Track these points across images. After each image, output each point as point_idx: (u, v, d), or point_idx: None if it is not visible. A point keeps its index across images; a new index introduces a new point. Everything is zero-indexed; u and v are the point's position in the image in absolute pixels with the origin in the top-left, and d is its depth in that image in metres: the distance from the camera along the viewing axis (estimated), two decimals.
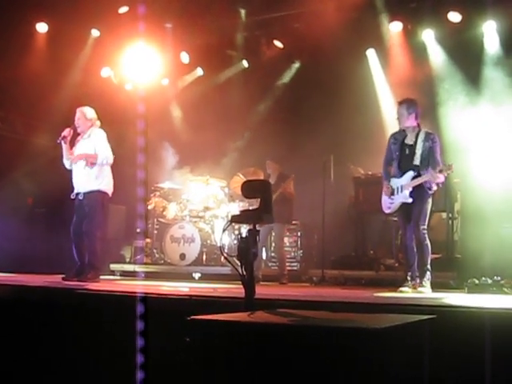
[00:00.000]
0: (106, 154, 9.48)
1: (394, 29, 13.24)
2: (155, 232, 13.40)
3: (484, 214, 10.04)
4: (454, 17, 12.37)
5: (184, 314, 3.94)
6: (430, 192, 8.41)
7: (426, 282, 8.29)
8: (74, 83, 13.81)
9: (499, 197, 9.90)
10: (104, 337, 6.29)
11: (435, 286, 9.52)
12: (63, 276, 9.16)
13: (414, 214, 8.42)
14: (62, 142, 9.67)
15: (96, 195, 9.43)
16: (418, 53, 13.06)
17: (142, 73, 14.05)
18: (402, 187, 8.49)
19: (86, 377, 6.32)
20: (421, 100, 12.49)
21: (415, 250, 8.43)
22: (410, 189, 8.39)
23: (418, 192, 8.39)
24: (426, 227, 8.40)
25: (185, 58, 14.91)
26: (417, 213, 8.38)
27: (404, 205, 8.51)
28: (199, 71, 15.39)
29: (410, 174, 8.43)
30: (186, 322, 3.86)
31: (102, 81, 14.49)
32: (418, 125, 8.58)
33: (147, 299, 5.75)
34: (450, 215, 10.59)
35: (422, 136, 8.44)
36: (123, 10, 13.43)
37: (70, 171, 9.69)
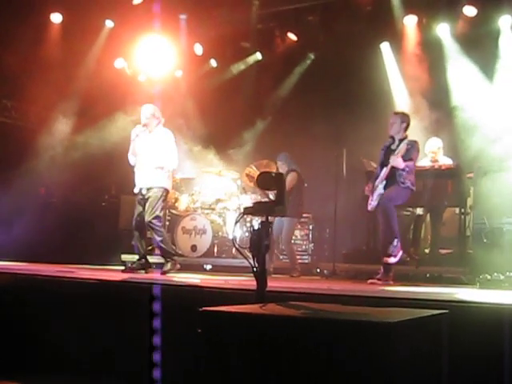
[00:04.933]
0: (172, 161, 9.78)
1: (408, 22, 13.21)
2: (167, 223, 13.38)
3: (496, 209, 9.99)
4: (470, 11, 12.33)
5: (195, 306, 3.95)
6: (403, 186, 8.99)
7: None
8: (87, 74, 13.87)
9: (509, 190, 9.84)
10: (117, 327, 6.31)
11: (447, 282, 9.54)
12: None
13: None
14: (132, 141, 9.86)
15: (160, 191, 9.71)
16: (432, 47, 13.02)
17: (155, 64, 14.05)
18: (378, 183, 9.19)
19: (101, 362, 6.34)
20: (434, 95, 12.58)
21: None
22: (384, 182, 9.11)
23: (391, 185, 9.03)
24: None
25: (198, 49, 14.91)
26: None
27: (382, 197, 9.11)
28: (213, 63, 15.37)
29: (384, 170, 9.15)
30: (198, 313, 3.86)
31: (116, 72, 14.49)
32: (406, 135, 9.33)
33: (159, 290, 5.76)
34: (462, 210, 10.54)
35: (405, 141, 9.13)
36: (138, 0, 13.44)
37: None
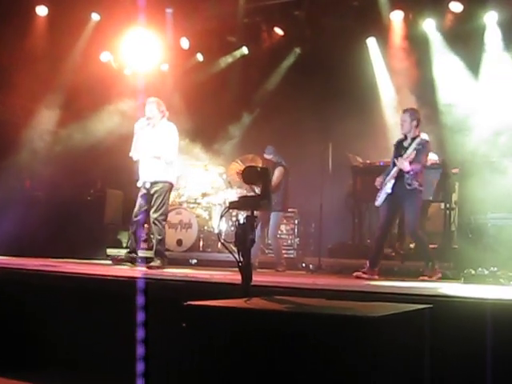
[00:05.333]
0: (171, 153, 9.71)
1: (395, 18, 13.23)
2: None
3: (480, 204, 10.04)
4: (456, 7, 12.39)
5: (180, 300, 3.95)
6: (409, 188, 9.00)
7: None
8: (73, 67, 13.82)
9: (497, 187, 9.89)
10: (102, 321, 6.31)
11: None
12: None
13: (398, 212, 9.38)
14: (136, 134, 9.82)
15: (165, 185, 9.70)
16: (418, 42, 13.05)
17: (141, 58, 14.01)
18: (387, 180, 9.21)
19: (87, 356, 6.34)
20: (421, 91, 12.62)
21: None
22: (392, 181, 9.14)
23: (399, 187, 9.09)
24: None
25: (185, 43, 14.87)
26: (406, 213, 9.21)
27: (389, 196, 9.18)
28: (199, 57, 15.34)
29: (395, 169, 9.15)
30: (183, 307, 3.87)
31: (102, 65, 14.45)
32: (418, 132, 9.26)
33: (144, 284, 5.75)
34: (448, 205, 10.58)
35: (417, 141, 9.11)
36: None
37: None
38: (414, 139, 9.16)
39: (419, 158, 9.04)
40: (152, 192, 9.65)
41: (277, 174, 11.22)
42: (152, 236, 12.23)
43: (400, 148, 9.29)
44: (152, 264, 9.50)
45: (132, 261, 9.79)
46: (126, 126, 12.43)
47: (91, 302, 6.51)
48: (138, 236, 9.98)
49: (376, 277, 8.91)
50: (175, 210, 12.49)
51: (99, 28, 14.18)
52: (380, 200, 9.29)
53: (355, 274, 9.03)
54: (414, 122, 9.23)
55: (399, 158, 9.08)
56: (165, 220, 9.88)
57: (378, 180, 9.33)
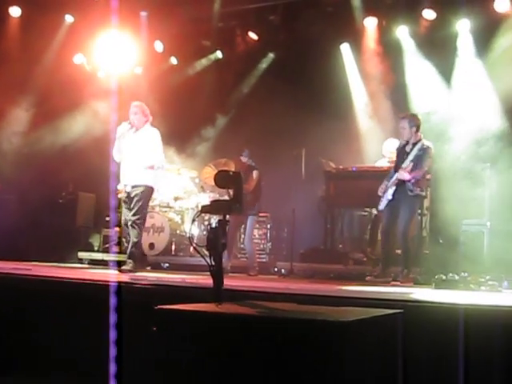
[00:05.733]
0: (159, 159, 9.88)
1: (368, 24, 13.28)
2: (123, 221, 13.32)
3: (452, 210, 10.11)
4: (429, 14, 12.46)
5: (152, 304, 3.94)
6: (411, 194, 9.23)
7: None
8: (46, 69, 13.72)
9: (470, 194, 9.95)
10: (73, 324, 6.27)
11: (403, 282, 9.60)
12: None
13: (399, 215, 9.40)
14: (117, 138, 9.80)
15: (145, 189, 9.78)
16: (392, 49, 13.12)
17: (115, 60, 13.95)
18: (388, 187, 9.40)
19: (59, 361, 6.29)
20: (394, 97, 12.70)
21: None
22: (394, 187, 9.33)
23: (400, 192, 9.30)
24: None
25: (159, 46, 14.82)
26: (401, 213, 9.35)
27: (390, 202, 9.40)
28: (173, 60, 15.31)
29: (396, 175, 9.33)
30: (154, 311, 3.86)
31: (75, 67, 14.37)
32: (420, 137, 9.44)
33: (116, 288, 5.72)
34: (419, 211, 10.63)
35: (418, 146, 9.30)
36: None
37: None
38: (415, 144, 9.32)
39: (420, 163, 9.22)
40: (132, 195, 9.69)
41: (255, 176, 11.28)
42: (124, 239, 12.21)
43: (402, 153, 9.45)
44: (124, 267, 9.48)
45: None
46: (98, 129, 12.42)
47: (63, 305, 6.46)
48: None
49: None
50: (148, 213, 12.44)
51: (73, 30, 14.09)
52: (382, 205, 9.49)
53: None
54: (414, 128, 9.36)
55: (399, 170, 9.25)
56: (143, 224, 9.92)
57: (381, 187, 9.48)
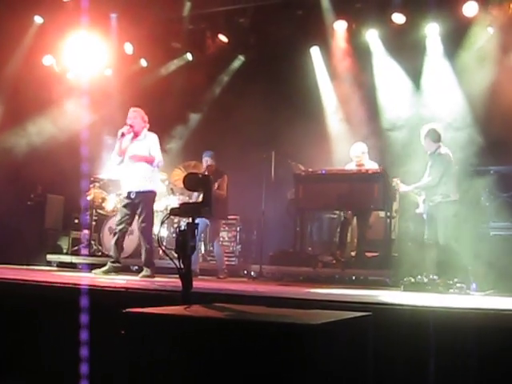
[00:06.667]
0: (160, 157, 9.94)
1: (338, 27, 13.32)
2: (93, 223, 13.26)
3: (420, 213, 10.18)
4: (398, 18, 12.52)
5: (120, 307, 3.92)
6: (432, 204, 9.56)
7: None
8: (15, 70, 13.61)
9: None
10: (42, 328, 6.22)
11: (372, 284, 9.66)
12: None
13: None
14: (117, 140, 9.89)
15: (150, 195, 9.90)
16: (361, 52, 13.18)
17: (84, 62, 13.89)
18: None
19: (26, 368, 6.24)
20: (363, 97, 12.77)
21: None
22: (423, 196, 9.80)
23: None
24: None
25: (129, 48, 14.76)
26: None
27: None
28: (143, 62, 15.25)
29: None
30: (122, 314, 3.84)
31: (44, 69, 14.28)
32: (438, 147, 9.63)
33: (83, 291, 5.69)
34: (388, 214, 10.69)
35: (433, 156, 9.60)
36: None
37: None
38: (432, 154, 9.62)
39: (434, 171, 9.48)
40: (137, 201, 9.77)
41: (226, 178, 11.30)
42: (93, 242, 12.20)
43: (426, 165, 9.72)
44: (143, 274, 9.69)
45: (116, 270, 9.89)
46: (67, 131, 12.33)
47: (31, 310, 6.41)
48: (121, 246, 10.07)
49: None
50: (116, 215, 12.41)
51: (42, 31, 14.00)
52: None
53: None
54: (429, 140, 9.62)
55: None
56: (152, 229, 10.11)
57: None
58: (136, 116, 9.97)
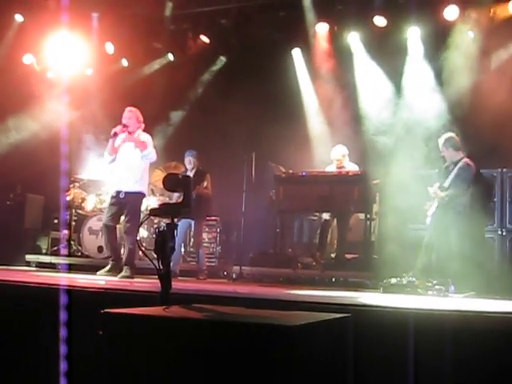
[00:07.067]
0: (153, 151, 9.91)
1: (320, 29, 13.33)
2: (73, 224, 13.20)
3: (401, 215, 10.22)
4: (380, 21, 12.56)
5: (99, 308, 3.90)
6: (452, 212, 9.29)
7: None
8: None
9: (415, 198, 10.05)
10: (20, 328, 6.19)
11: (352, 286, 9.68)
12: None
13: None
14: (110, 138, 9.86)
15: (138, 196, 9.87)
16: (343, 54, 13.21)
17: (65, 61, 13.83)
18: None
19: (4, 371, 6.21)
20: (344, 100, 12.80)
21: None
22: (436, 203, 9.47)
23: (441, 208, 9.45)
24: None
25: (110, 48, 14.71)
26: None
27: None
28: (124, 62, 15.20)
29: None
30: (100, 315, 3.82)
31: (24, 67, 14.20)
32: (461, 155, 9.54)
33: (62, 291, 5.66)
34: (368, 216, 10.71)
35: (459, 164, 9.43)
36: None
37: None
38: (456, 163, 9.48)
39: (457, 183, 9.30)
40: (125, 202, 9.72)
41: (209, 179, 11.31)
42: (73, 242, 12.14)
43: (445, 173, 9.60)
44: (123, 274, 9.55)
45: (119, 268, 9.82)
46: (47, 130, 12.27)
47: (10, 308, 6.38)
48: (114, 244, 10.03)
49: None
50: (96, 216, 12.37)
51: (23, 30, 13.92)
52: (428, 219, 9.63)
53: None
54: (451, 149, 9.54)
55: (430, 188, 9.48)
56: (137, 230, 10.12)
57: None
58: (131, 116, 9.95)
